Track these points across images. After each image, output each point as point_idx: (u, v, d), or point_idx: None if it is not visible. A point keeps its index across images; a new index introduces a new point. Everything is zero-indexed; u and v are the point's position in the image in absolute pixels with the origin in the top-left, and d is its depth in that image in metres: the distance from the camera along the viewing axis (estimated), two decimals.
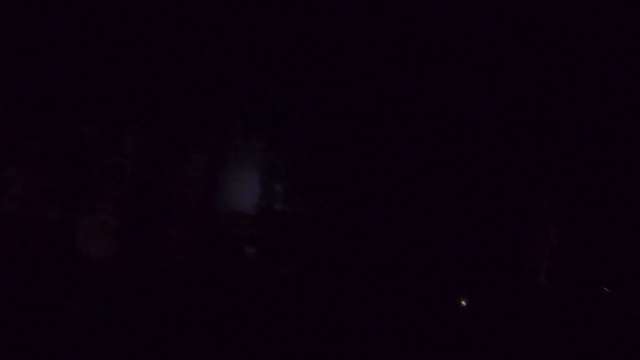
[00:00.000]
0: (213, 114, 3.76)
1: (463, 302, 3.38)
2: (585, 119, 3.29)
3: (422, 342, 3.15)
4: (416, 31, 3.32)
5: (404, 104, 3.65)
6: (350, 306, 3.35)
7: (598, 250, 3.17)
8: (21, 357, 2.96)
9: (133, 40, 3.54)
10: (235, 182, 3.87)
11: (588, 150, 3.22)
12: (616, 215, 3.16)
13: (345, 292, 3.45)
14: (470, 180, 3.64)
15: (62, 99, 3.62)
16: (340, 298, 3.44)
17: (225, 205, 3.87)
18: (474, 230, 3.58)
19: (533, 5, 3.37)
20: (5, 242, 3.54)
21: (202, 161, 3.77)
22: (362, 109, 3.64)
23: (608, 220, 3.20)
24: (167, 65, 3.62)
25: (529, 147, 3.48)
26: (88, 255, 3.52)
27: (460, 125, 3.55)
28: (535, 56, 3.35)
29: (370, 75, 3.73)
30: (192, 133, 3.79)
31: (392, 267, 3.68)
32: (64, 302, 3.31)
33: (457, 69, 3.53)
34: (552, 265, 3.29)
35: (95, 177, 3.62)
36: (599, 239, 3.19)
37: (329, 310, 3.33)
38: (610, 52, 3.17)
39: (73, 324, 3.26)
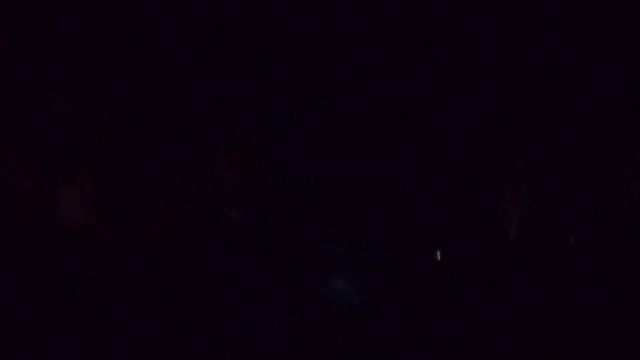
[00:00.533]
0: (192, 81, 3.78)
1: (437, 254, 3.38)
2: (564, 78, 3.36)
3: (396, 292, 3.10)
4: None
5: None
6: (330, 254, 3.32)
7: (569, 208, 3.22)
8: (6, 328, 2.88)
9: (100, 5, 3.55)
10: (221, 150, 3.86)
11: (563, 112, 3.28)
12: (589, 175, 3.22)
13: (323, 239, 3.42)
14: (446, 136, 3.63)
15: (27, 63, 3.61)
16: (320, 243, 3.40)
17: (210, 174, 3.85)
18: (447, 185, 3.57)
19: None
20: None
21: (185, 130, 3.77)
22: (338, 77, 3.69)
23: (580, 179, 3.26)
24: (134, 32, 3.63)
25: (506, 107, 3.52)
26: (69, 225, 3.47)
27: (439, 83, 3.60)
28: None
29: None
30: (173, 102, 3.80)
31: (368, 219, 3.66)
32: (48, 270, 3.24)
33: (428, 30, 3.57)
34: (523, 221, 3.33)
35: (70, 146, 3.61)
36: (571, 197, 3.24)
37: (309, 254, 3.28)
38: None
39: (58, 292, 3.19)
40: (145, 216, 3.64)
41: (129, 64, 3.49)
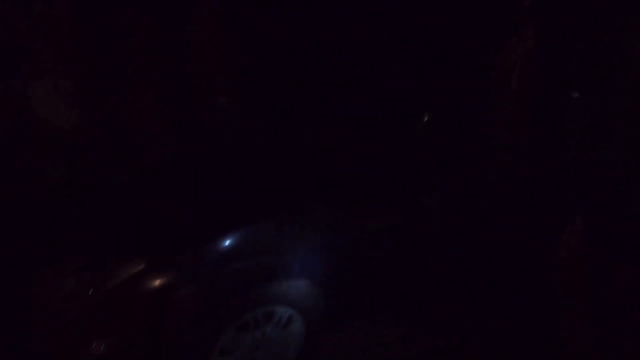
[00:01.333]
0: None
1: (425, 117, 3.29)
2: None
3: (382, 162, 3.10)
4: None
5: None
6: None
7: (573, 55, 3.16)
8: None
9: None
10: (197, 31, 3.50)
11: None
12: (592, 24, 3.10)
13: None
14: None
15: None
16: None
17: (187, 58, 3.53)
18: (444, 33, 3.39)
19: None
20: None
21: (155, 12, 3.33)
22: None
23: (586, 24, 3.15)
24: None
25: None
26: (46, 122, 3.13)
27: None
28: None
29: None
30: None
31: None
32: (36, 165, 3.01)
33: None
34: (524, 68, 3.24)
35: (26, 33, 3.08)
36: (576, 43, 3.16)
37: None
38: None
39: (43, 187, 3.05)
40: (126, 108, 3.29)
41: None
